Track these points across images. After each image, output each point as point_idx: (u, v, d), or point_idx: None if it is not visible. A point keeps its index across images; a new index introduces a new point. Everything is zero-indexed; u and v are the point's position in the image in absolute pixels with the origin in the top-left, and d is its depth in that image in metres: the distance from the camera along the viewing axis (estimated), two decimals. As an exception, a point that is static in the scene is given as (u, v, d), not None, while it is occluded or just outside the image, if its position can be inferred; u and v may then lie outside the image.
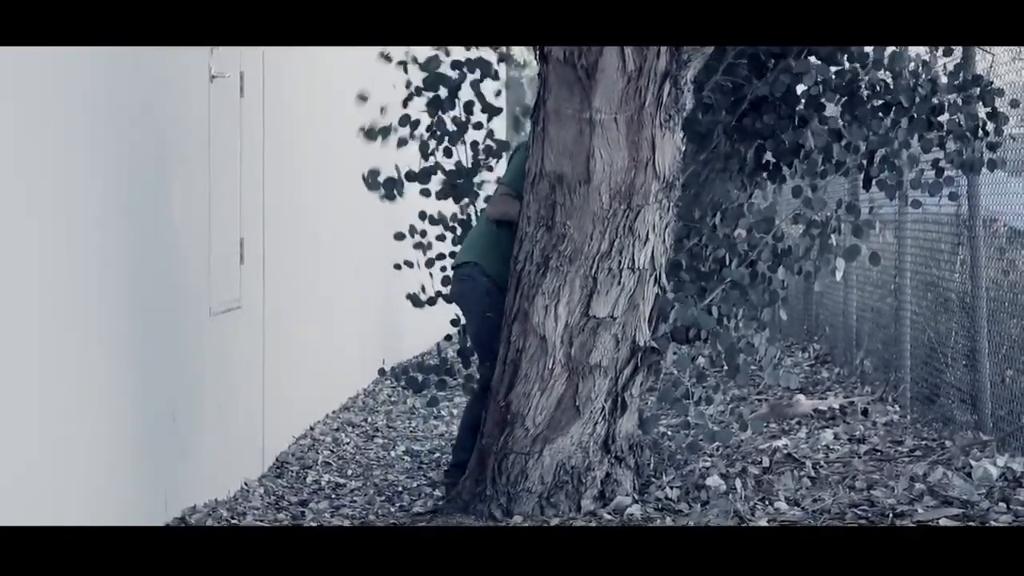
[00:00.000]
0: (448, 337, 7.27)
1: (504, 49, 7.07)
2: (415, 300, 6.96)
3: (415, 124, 6.70)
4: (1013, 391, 6.83)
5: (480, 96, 6.68)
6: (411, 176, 6.71)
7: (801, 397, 8.60)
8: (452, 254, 6.90)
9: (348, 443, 8.25)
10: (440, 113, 6.69)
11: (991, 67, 6.91)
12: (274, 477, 7.20)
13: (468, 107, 6.71)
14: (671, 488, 6.12)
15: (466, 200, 6.85)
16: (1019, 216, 7.26)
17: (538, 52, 5.91)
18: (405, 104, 6.75)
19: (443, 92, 6.67)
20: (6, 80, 4.42)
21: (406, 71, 6.71)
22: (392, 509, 6.53)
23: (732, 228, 6.41)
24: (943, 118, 6.39)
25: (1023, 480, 5.98)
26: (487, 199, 6.65)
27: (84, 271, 5.03)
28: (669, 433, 7.53)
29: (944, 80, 6.41)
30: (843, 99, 6.40)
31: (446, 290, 6.84)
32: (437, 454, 7.92)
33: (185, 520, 5.91)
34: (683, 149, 6.01)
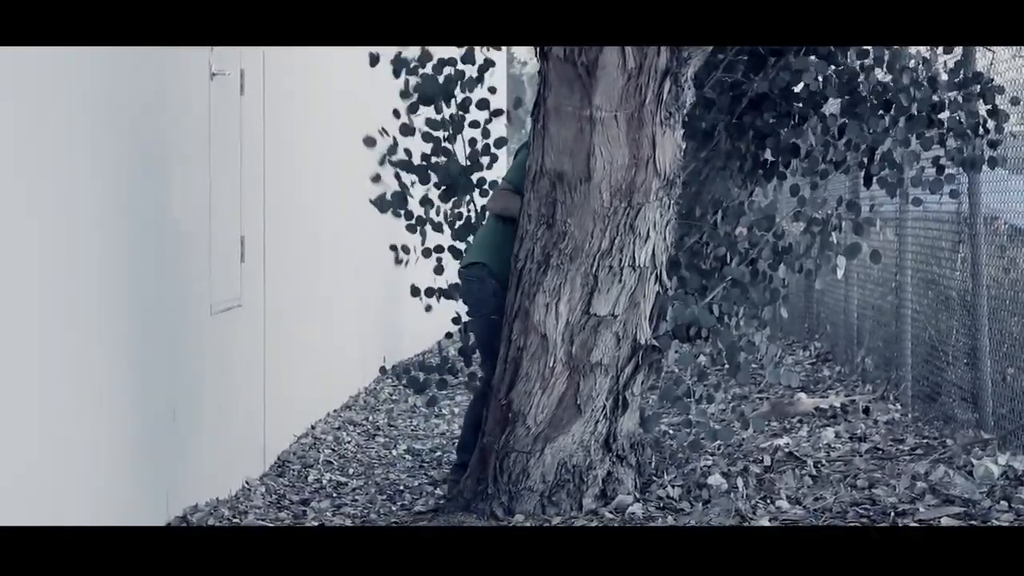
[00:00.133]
0: (449, 335, 7.26)
1: (505, 49, 7.05)
2: (415, 291, 6.95)
3: (414, 132, 6.70)
4: (1014, 389, 6.83)
5: (476, 100, 6.66)
6: (406, 166, 6.65)
7: (802, 395, 8.59)
8: (451, 247, 6.88)
9: (349, 442, 8.24)
10: (437, 112, 6.68)
11: (991, 64, 6.91)
12: (275, 476, 7.20)
13: (464, 105, 6.69)
14: (672, 487, 6.11)
15: (468, 197, 6.83)
16: (1020, 214, 7.25)
17: (538, 49, 5.91)
18: (397, 115, 6.73)
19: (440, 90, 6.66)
20: (6, 80, 4.41)
21: (397, 76, 6.67)
22: (394, 508, 6.53)
23: (733, 226, 6.41)
24: (943, 115, 6.38)
25: (1024, 478, 5.98)
26: (488, 196, 6.64)
27: (84, 269, 5.03)
28: (670, 431, 7.52)
29: (944, 77, 6.41)
30: (843, 97, 6.39)
31: (444, 284, 6.83)
32: (438, 453, 7.92)
33: (186, 519, 5.91)
34: (684, 147, 6.01)
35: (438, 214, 6.89)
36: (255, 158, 7.07)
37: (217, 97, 6.43)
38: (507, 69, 6.94)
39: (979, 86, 6.36)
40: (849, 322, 10.34)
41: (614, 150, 5.80)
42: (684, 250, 6.43)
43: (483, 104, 6.68)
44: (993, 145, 6.39)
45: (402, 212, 6.74)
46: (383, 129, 6.67)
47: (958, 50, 6.80)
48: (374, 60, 6.64)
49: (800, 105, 6.44)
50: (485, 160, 6.80)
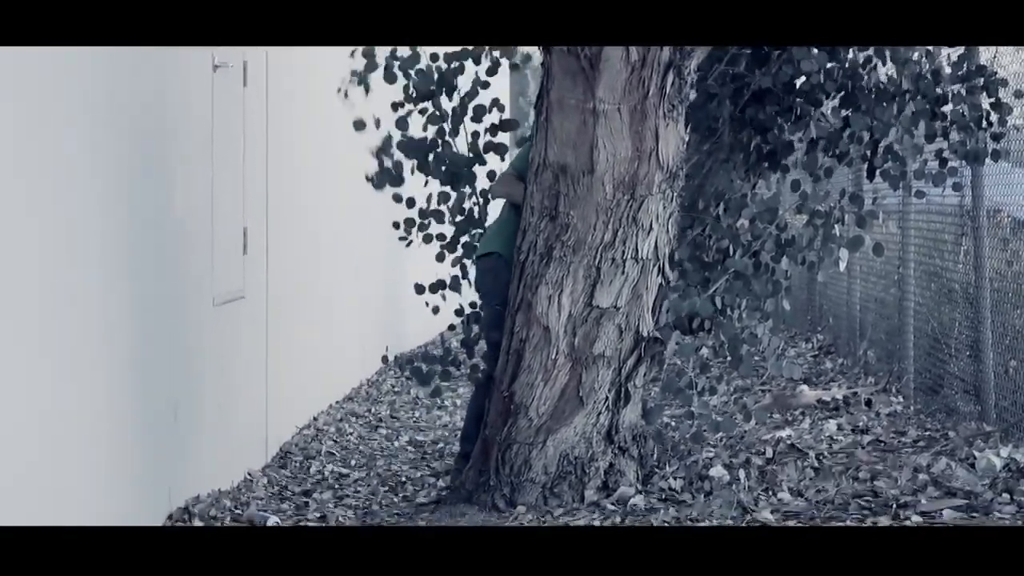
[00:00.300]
0: (451, 327, 7.25)
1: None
2: (419, 288, 6.92)
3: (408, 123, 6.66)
4: (1016, 382, 6.83)
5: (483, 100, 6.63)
6: (406, 148, 6.60)
7: (805, 388, 8.60)
8: (452, 237, 6.85)
9: (352, 433, 8.25)
10: (435, 107, 6.64)
11: (995, 57, 6.91)
12: (278, 467, 7.20)
13: (467, 98, 6.66)
14: (675, 478, 6.11)
15: (467, 189, 6.80)
16: (1022, 207, 7.25)
17: (541, 42, 5.89)
18: (395, 107, 6.68)
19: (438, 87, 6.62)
20: (6, 80, 4.41)
21: (391, 81, 6.63)
22: (396, 499, 6.53)
23: (735, 218, 6.41)
24: (947, 108, 6.38)
25: (1026, 471, 5.99)
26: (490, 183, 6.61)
27: (86, 260, 5.03)
28: (673, 423, 7.53)
29: (948, 70, 6.41)
30: (845, 90, 6.39)
31: (447, 277, 6.81)
32: (441, 444, 7.92)
33: (188, 511, 5.91)
34: (686, 139, 6.01)
35: (440, 202, 6.84)
36: (258, 149, 7.07)
37: (220, 89, 6.43)
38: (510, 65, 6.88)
39: (982, 79, 6.36)
40: (852, 314, 10.34)
41: (617, 142, 5.81)
42: (687, 242, 6.43)
43: (480, 110, 6.63)
44: (996, 138, 6.38)
45: (401, 198, 6.68)
46: (377, 119, 6.63)
47: (961, 43, 6.79)
48: (360, 126, 6.59)
49: (802, 100, 6.43)
50: (488, 155, 6.76)
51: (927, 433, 7.18)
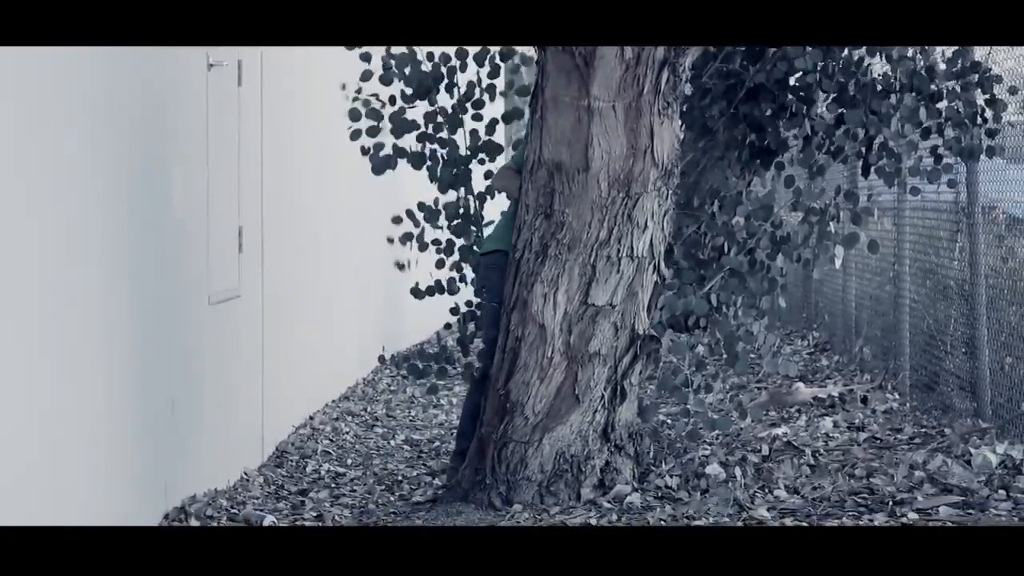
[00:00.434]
0: (448, 326, 7.24)
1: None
2: (416, 292, 6.91)
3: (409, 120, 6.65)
4: (1012, 378, 6.84)
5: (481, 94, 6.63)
6: (403, 154, 6.61)
7: (800, 385, 8.60)
8: (448, 241, 6.84)
9: (348, 432, 8.25)
10: (431, 104, 6.64)
11: (989, 54, 6.90)
12: (274, 466, 7.20)
13: (466, 95, 6.66)
14: (671, 476, 6.12)
15: (463, 189, 6.79)
16: (1018, 203, 7.26)
17: (536, 40, 5.89)
18: (393, 100, 6.68)
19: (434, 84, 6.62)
20: (6, 80, 4.41)
21: (387, 83, 6.62)
22: (392, 498, 6.53)
23: (731, 216, 6.41)
24: (942, 105, 6.38)
25: (1022, 467, 5.99)
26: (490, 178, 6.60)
27: (83, 260, 5.03)
28: (669, 421, 7.53)
29: (942, 67, 6.41)
30: (839, 87, 6.38)
31: (442, 278, 6.80)
32: (437, 443, 7.92)
33: (185, 509, 5.91)
34: (682, 136, 6.01)
35: (436, 205, 6.83)
36: (253, 149, 7.07)
37: (215, 88, 6.42)
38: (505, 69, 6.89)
39: (977, 75, 6.35)
40: (847, 312, 10.34)
41: (612, 140, 5.80)
42: (682, 240, 6.43)
43: (479, 104, 6.63)
44: (991, 134, 6.38)
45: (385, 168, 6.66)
46: (375, 108, 6.61)
47: (956, 39, 6.79)
48: (355, 115, 6.60)
49: (797, 96, 6.43)
50: (482, 155, 6.76)
51: (923, 430, 7.19)
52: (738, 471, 6.19)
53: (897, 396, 8.25)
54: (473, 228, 6.72)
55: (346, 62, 8.65)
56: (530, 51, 6.36)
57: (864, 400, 8.11)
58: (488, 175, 6.62)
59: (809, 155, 6.39)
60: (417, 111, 6.69)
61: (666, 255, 6.10)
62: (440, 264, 6.80)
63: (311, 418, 8.44)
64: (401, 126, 6.57)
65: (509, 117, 6.75)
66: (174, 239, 5.98)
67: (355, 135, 6.59)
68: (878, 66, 6.46)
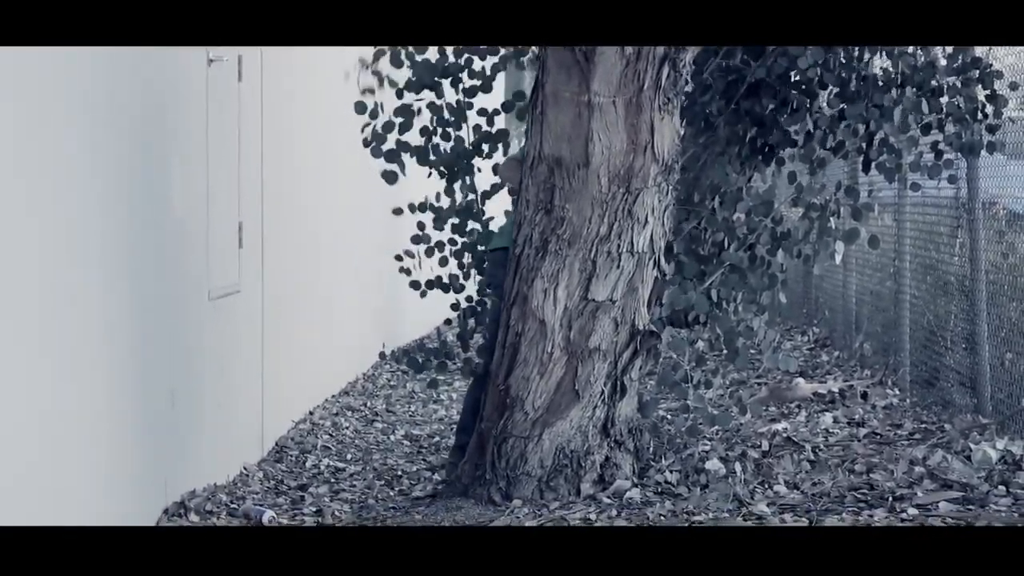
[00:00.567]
0: (448, 321, 7.24)
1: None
2: (416, 286, 6.90)
3: (411, 113, 6.63)
4: (1012, 374, 6.83)
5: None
6: (407, 148, 6.59)
7: (800, 380, 8.60)
8: (451, 240, 6.84)
9: (347, 427, 8.25)
10: (439, 96, 6.63)
11: (990, 50, 6.90)
12: (273, 462, 7.20)
13: (469, 93, 6.64)
14: (670, 472, 6.12)
15: (466, 181, 6.77)
16: (1018, 199, 7.26)
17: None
18: (400, 95, 6.66)
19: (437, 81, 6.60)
20: (6, 80, 4.41)
21: (389, 85, 6.60)
22: (391, 493, 6.53)
23: (731, 211, 6.40)
24: (942, 100, 6.37)
25: (1022, 463, 5.98)
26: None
27: (83, 255, 5.03)
28: (668, 417, 7.53)
29: (943, 63, 6.40)
30: (841, 82, 6.38)
31: (443, 274, 6.80)
32: (436, 438, 7.92)
33: (184, 504, 5.91)
34: (682, 132, 6.00)
35: (438, 200, 6.82)
36: (253, 144, 7.07)
37: (215, 83, 6.42)
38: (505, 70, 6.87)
39: (978, 71, 6.35)
40: (848, 307, 10.34)
41: (612, 135, 5.80)
42: (682, 236, 6.42)
43: (474, 91, 6.62)
44: (992, 130, 6.38)
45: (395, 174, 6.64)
46: (378, 105, 6.61)
47: (956, 35, 6.78)
48: (360, 108, 6.56)
49: (799, 91, 6.42)
50: (486, 147, 6.75)
51: (923, 426, 7.19)
52: (738, 467, 6.19)
53: (897, 392, 8.25)
54: (477, 225, 6.71)
55: (347, 57, 8.64)
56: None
57: (864, 396, 8.11)
58: (495, 169, 6.62)
59: (810, 150, 6.39)
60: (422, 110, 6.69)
61: (666, 251, 6.10)
62: (443, 262, 6.79)
63: (311, 413, 8.44)
64: (407, 117, 6.54)
65: (510, 106, 6.74)
66: (174, 235, 5.98)
67: (368, 142, 6.54)
68: (879, 61, 6.46)
